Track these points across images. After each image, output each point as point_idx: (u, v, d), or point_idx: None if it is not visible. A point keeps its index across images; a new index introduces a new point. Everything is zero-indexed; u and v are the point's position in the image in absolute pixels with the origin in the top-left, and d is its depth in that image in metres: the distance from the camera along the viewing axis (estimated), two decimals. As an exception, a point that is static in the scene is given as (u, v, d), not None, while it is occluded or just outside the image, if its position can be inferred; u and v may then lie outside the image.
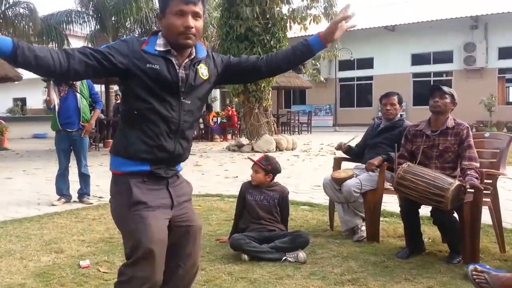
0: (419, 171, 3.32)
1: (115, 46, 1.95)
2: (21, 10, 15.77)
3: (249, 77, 2.41)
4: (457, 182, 3.20)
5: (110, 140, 14.94)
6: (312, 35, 2.12)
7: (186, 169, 8.94)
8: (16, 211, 5.40)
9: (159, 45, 1.99)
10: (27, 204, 5.81)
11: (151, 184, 2.02)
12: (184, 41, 1.95)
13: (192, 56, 2.05)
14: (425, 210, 3.65)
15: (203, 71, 2.10)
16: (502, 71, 21.93)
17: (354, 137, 4.67)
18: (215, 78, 2.17)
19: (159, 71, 1.95)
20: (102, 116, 14.48)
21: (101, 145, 14.21)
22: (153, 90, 1.96)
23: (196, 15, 1.95)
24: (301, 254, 3.46)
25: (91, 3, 17.21)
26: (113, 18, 17.08)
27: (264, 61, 2.18)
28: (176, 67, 1.99)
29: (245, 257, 3.45)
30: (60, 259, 3.58)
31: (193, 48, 2.05)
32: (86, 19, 17.77)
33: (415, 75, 23.23)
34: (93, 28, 18.07)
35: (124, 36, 18.89)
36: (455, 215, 3.46)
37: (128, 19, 16.98)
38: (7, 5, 15.87)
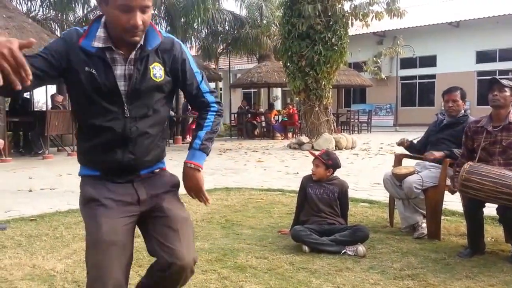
0: (484, 170, 3.17)
1: (52, 45, 1.64)
2: (101, 13, 16.65)
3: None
4: None
5: (179, 137, 15.45)
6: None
7: (249, 165, 9.11)
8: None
9: (98, 38, 1.63)
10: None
11: (109, 180, 1.76)
12: (130, 38, 1.60)
13: (138, 46, 1.66)
14: (488, 210, 3.52)
15: (157, 71, 1.71)
16: None
17: (417, 137, 4.47)
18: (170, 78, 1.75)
19: (95, 77, 1.63)
20: (172, 113, 14.97)
21: (171, 141, 14.73)
22: (91, 98, 1.65)
23: (144, 8, 1.58)
24: (361, 248, 3.44)
25: (163, 5, 17.80)
26: (182, 20, 17.39)
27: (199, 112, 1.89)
28: (119, 66, 1.65)
29: (306, 248, 3.49)
30: (137, 243, 3.76)
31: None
32: (157, 21, 18.38)
33: (480, 73, 21.98)
34: (163, 30, 18.56)
35: (192, 37, 19.30)
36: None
37: (196, 20, 17.26)
38: (89, 9, 16.82)
